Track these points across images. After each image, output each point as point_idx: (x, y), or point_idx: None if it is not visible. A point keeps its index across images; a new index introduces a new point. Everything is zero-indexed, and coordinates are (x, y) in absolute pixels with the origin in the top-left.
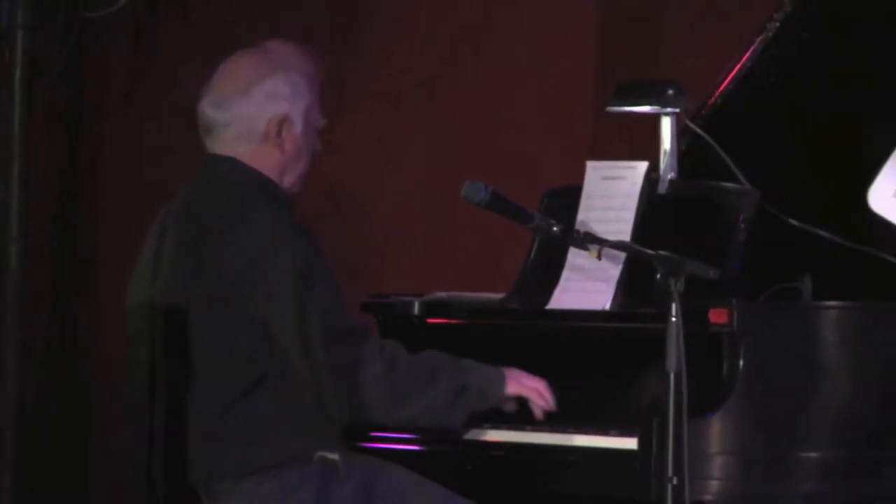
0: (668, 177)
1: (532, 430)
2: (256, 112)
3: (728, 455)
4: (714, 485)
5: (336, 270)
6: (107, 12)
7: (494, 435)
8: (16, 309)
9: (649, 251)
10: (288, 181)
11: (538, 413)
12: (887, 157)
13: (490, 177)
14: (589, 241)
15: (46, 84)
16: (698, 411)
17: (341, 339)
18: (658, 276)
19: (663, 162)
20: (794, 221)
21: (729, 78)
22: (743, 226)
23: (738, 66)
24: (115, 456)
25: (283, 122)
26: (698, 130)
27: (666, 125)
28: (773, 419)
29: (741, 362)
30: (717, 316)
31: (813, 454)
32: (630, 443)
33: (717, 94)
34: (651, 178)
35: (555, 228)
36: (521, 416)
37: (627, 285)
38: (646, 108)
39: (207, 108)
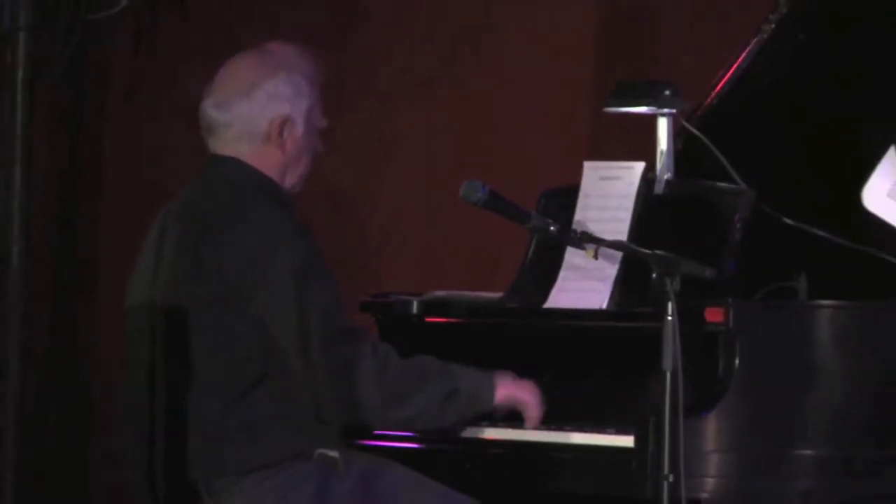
0: (665, 177)
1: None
2: (258, 113)
3: (724, 453)
4: (710, 482)
5: (336, 270)
6: (108, 14)
7: (492, 433)
8: (17, 309)
9: (646, 251)
10: (289, 181)
11: (529, 424)
12: (882, 156)
13: (489, 177)
14: (586, 240)
15: (48, 85)
16: (694, 410)
17: (339, 339)
18: (654, 275)
19: (660, 162)
20: (789, 221)
21: (725, 79)
22: (739, 225)
23: (734, 67)
24: (115, 456)
25: (285, 122)
26: (694, 131)
27: (662, 126)
28: (769, 417)
29: (737, 361)
30: (713, 315)
31: (808, 452)
32: (627, 441)
33: (713, 94)
34: (648, 178)
35: (552, 228)
36: (518, 414)
37: (624, 285)
38: (642, 109)
39: (209, 109)
